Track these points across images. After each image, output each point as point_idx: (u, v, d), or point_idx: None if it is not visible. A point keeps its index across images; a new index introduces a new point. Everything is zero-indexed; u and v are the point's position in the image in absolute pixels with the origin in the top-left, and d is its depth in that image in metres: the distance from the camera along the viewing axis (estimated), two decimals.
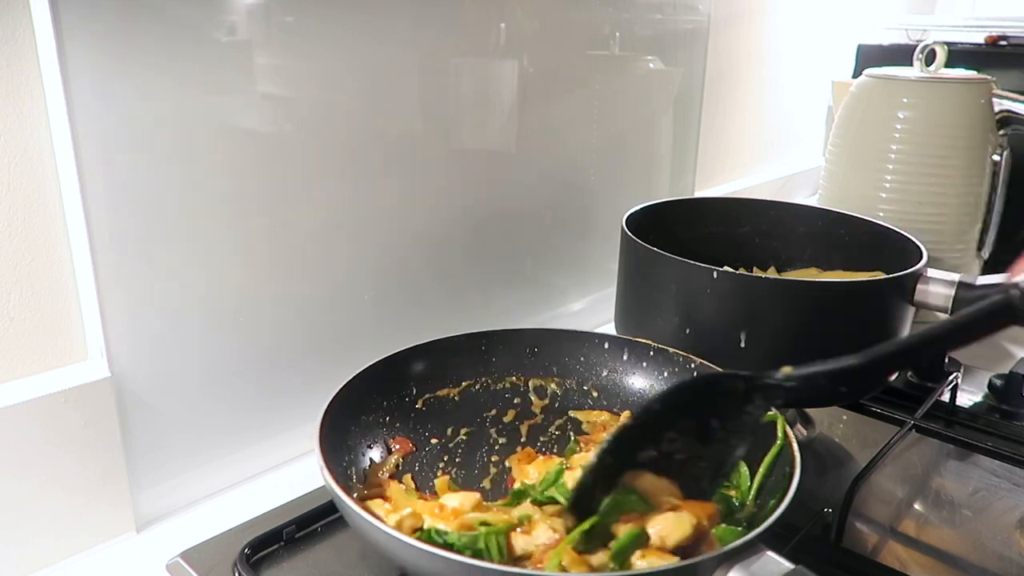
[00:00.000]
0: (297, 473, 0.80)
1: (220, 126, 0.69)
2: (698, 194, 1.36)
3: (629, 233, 0.84)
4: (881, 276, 0.85)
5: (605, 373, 0.77)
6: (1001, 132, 1.07)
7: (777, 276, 0.96)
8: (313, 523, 0.66)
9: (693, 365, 0.72)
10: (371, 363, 0.68)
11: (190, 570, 0.61)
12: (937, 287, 0.78)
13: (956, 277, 0.78)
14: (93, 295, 0.64)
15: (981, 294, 0.76)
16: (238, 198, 0.72)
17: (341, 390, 0.64)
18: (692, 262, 0.77)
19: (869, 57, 1.56)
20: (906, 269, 0.78)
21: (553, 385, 0.77)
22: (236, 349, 0.75)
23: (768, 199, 1.05)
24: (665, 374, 0.75)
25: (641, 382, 0.76)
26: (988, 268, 1.14)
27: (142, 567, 0.66)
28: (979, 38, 1.46)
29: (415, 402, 0.72)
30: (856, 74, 1.58)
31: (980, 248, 1.11)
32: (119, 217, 0.64)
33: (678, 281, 0.79)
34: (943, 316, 0.79)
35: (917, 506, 0.77)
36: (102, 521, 0.68)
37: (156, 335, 0.69)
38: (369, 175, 0.82)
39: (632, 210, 0.90)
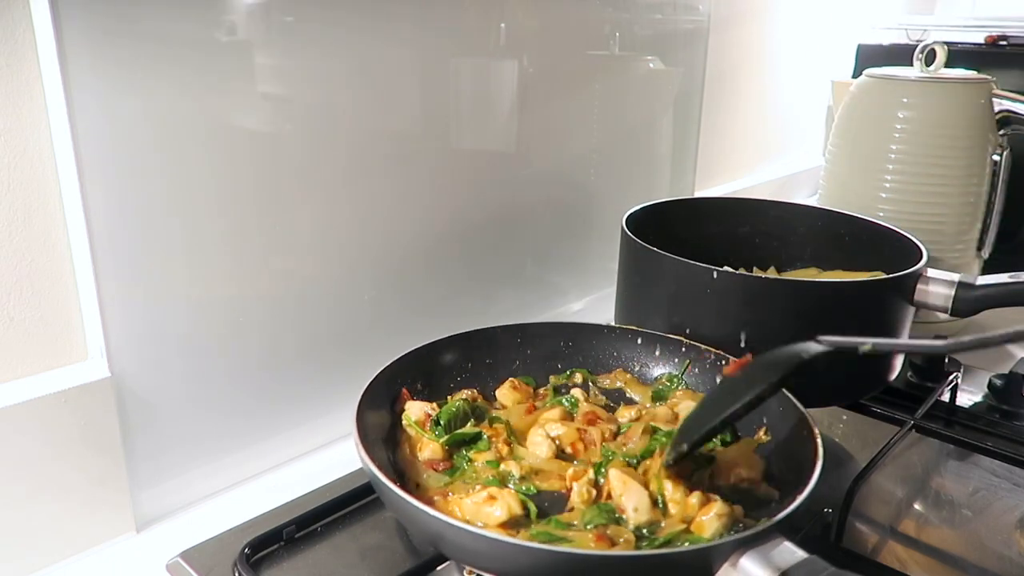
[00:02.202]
0: (297, 473, 0.80)
1: (220, 127, 0.69)
2: (698, 194, 1.36)
3: (629, 233, 0.84)
4: (881, 276, 0.84)
5: (637, 368, 0.79)
6: (1001, 132, 1.07)
7: (777, 276, 0.96)
8: (313, 523, 0.66)
9: (724, 362, 0.74)
10: (408, 351, 0.70)
11: (190, 570, 0.61)
12: (937, 287, 0.78)
13: (956, 277, 0.78)
14: (93, 295, 0.64)
15: (982, 294, 0.76)
16: (238, 199, 0.72)
17: (377, 376, 0.66)
18: (692, 262, 0.76)
19: (869, 57, 1.56)
20: (906, 269, 0.78)
21: (581, 375, 0.79)
22: (236, 349, 0.75)
23: (768, 199, 1.05)
24: (696, 370, 0.76)
25: (670, 374, 0.77)
26: (988, 268, 1.14)
27: (142, 567, 0.66)
28: (979, 38, 1.46)
29: (450, 390, 0.74)
30: (856, 74, 1.58)
31: (980, 248, 1.11)
32: (119, 217, 0.64)
33: (678, 281, 0.79)
34: (943, 316, 0.79)
35: (917, 506, 0.77)
36: (102, 521, 0.68)
37: (156, 335, 0.69)
38: (369, 176, 0.82)
39: (632, 210, 0.90)
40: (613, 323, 0.93)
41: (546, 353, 0.79)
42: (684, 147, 1.29)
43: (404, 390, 0.70)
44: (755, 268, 1.00)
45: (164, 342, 0.70)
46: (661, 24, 1.17)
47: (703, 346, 0.76)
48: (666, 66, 1.19)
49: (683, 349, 0.77)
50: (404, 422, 0.68)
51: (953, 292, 0.77)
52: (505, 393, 0.74)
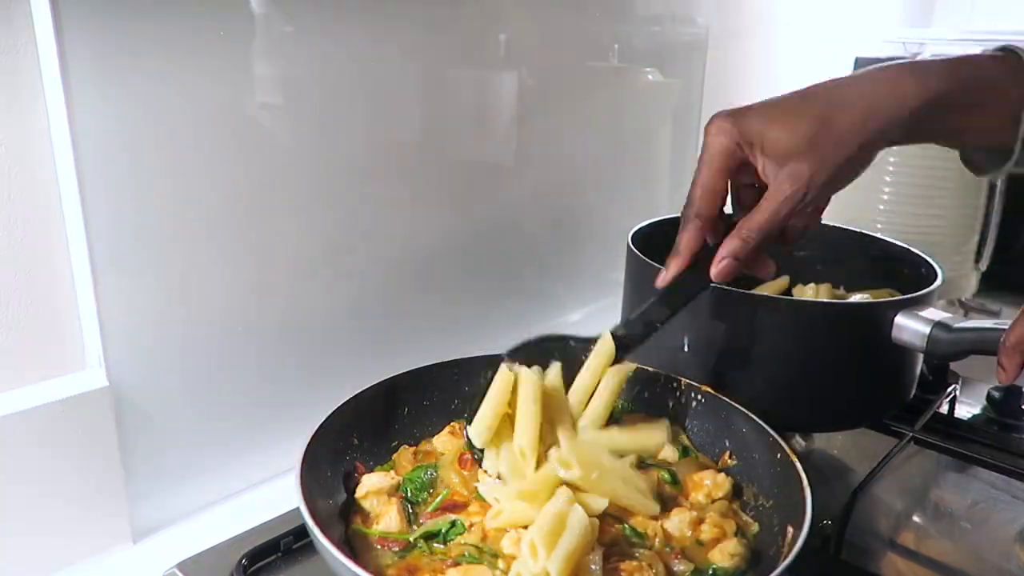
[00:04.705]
0: (294, 484, 0.79)
1: (220, 138, 0.69)
2: None
3: (634, 250, 0.83)
4: (897, 296, 0.83)
5: None
6: None
7: (780, 296, 0.94)
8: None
9: (676, 385, 0.72)
10: (336, 407, 0.63)
11: None
12: (915, 324, 0.71)
13: (936, 316, 0.72)
14: (92, 304, 0.64)
15: (958, 337, 0.70)
16: (237, 209, 0.72)
17: (313, 437, 0.59)
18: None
19: None
20: (919, 288, 0.76)
21: None
22: (234, 359, 0.75)
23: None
24: (646, 394, 0.73)
25: (620, 401, 0.74)
26: (986, 279, 1.14)
27: None
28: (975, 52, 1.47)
29: (392, 437, 0.69)
30: None
31: (978, 260, 1.11)
32: (118, 227, 0.64)
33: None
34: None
35: (916, 518, 0.77)
36: (98, 531, 0.68)
37: (154, 345, 0.69)
38: (368, 187, 0.82)
39: (639, 226, 0.89)
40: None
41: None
42: (683, 159, 1.30)
43: (358, 464, 0.64)
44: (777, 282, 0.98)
45: (162, 352, 0.70)
46: (660, 36, 1.17)
47: (652, 369, 0.72)
48: (665, 78, 1.20)
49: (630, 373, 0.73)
50: (357, 496, 0.62)
51: (929, 331, 0.70)
52: (444, 441, 0.68)
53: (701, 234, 0.60)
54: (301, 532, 0.65)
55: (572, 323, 1.15)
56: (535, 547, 0.51)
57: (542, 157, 1.03)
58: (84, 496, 0.66)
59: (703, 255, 0.60)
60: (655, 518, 0.59)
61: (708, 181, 0.58)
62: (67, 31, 0.58)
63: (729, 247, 0.58)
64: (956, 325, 0.69)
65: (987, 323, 0.68)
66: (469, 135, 0.93)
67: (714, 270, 0.59)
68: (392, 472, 0.64)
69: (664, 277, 0.61)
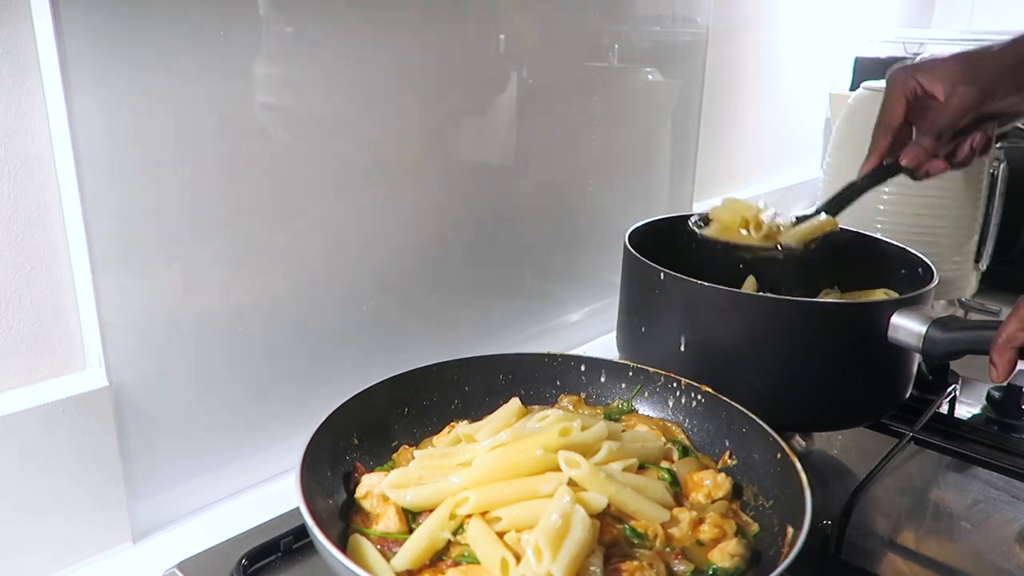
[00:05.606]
0: (294, 484, 0.79)
1: (220, 139, 0.69)
2: (697, 206, 1.36)
3: (631, 249, 0.83)
4: (895, 296, 0.83)
5: (583, 396, 0.76)
6: (998, 145, 1.08)
7: (779, 296, 0.94)
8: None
9: (676, 384, 0.72)
10: (338, 405, 0.63)
11: None
12: (911, 323, 0.71)
13: (932, 314, 0.71)
14: (92, 305, 0.64)
15: (954, 336, 0.69)
16: (237, 210, 0.72)
17: (313, 437, 0.59)
18: (686, 278, 0.76)
19: (866, 70, 1.57)
20: (916, 288, 0.76)
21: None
22: (234, 360, 0.75)
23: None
24: (645, 393, 0.74)
25: (620, 402, 0.75)
26: (986, 280, 1.14)
27: None
28: None
29: (393, 437, 0.69)
30: (854, 86, 1.59)
31: (978, 260, 1.11)
32: (118, 227, 0.64)
33: (679, 298, 0.77)
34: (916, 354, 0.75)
35: (916, 519, 0.77)
36: (98, 531, 0.68)
37: (155, 345, 0.69)
38: (368, 186, 0.82)
39: (635, 225, 0.89)
40: (610, 334, 0.92)
41: (485, 389, 0.73)
42: (683, 159, 1.30)
43: (358, 464, 0.64)
44: (745, 283, 0.99)
45: (163, 352, 0.70)
46: (660, 36, 1.17)
47: (651, 369, 0.73)
48: (665, 78, 1.20)
49: (630, 374, 0.74)
50: (357, 496, 0.62)
51: (925, 331, 0.70)
52: (444, 441, 0.68)
53: (887, 140, 0.82)
54: (301, 532, 0.65)
55: (573, 323, 1.15)
56: (540, 549, 0.51)
57: (542, 157, 1.03)
58: (83, 496, 0.66)
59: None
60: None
61: (891, 103, 0.81)
62: (67, 31, 0.58)
63: (917, 141, 0.80)
64: (952, 325, 0.69)
65: (982, 323, 0.68)
66: (469, 135, 0.93)
67: (904, 159, 0.80)
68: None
69: (864, 167, 0.84)
